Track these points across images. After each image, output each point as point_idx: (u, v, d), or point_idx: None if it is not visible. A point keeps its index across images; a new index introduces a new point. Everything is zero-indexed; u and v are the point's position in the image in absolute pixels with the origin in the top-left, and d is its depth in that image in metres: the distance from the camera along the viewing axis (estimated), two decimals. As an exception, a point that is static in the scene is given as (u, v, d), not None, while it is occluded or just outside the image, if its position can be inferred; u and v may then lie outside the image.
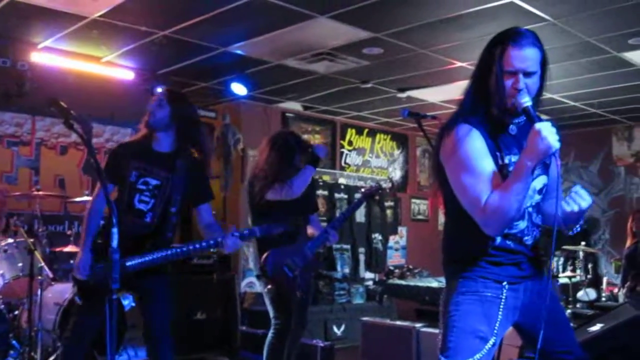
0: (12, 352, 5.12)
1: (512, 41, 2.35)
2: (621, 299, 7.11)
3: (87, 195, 5.69)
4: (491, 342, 2.42)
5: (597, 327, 4.00)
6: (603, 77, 7.10)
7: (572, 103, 8.25)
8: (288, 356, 4.67)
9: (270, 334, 4.45)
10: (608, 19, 5.35)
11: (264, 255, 4.36)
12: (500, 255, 2.45)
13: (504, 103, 2.37)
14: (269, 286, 4.38)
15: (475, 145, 2.35)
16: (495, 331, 2.42)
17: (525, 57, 2.34)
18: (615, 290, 8.28)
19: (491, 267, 2.44)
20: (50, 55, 6.56)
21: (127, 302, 5.96)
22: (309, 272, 4.55)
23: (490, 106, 2.42)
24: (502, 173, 2.37)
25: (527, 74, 2.35)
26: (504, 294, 2.43)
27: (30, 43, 6.41)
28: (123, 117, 7.61)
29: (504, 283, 2.44)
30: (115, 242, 2.28)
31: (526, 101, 2.33)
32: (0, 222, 5.42)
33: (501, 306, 2.43)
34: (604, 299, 8.56)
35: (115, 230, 2.29)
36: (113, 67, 7.04)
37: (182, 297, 6.09)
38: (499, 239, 2.43)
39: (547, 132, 2.24)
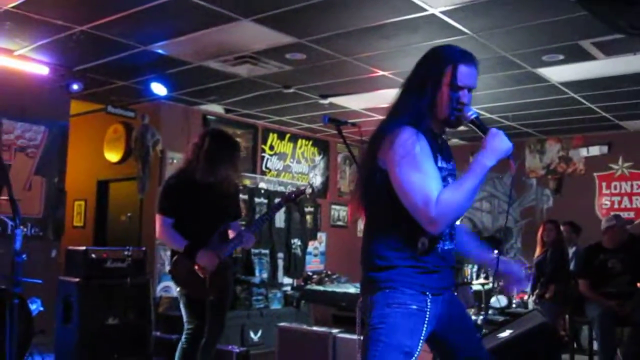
0: None
1: (464, 59, 2.54)
2: (531, 306, 7.35)
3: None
4: (415, 356, 2.43)
5: (506, 333, 4.12)
6: (518, 91, 7.34)
7: (488, 115, 8.49)
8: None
9: (182, 339, 4.37)
10: (524, 35, 5.53)
11: (174, 259, 4.28)
12: (426, 262, 2.47)
13: (449, 115, 2.52)
14: (178, 289, 4.31)
15: (424, 147, 2.41)
16: (419, 345, 2.44)
17: (473, 74, 2.55)
18: (525, 297, 8.56)
19: (417, 277, 2.45)
20: (-43, 45, 6.25)
21: (35, 306, 5.73)
22: (223, 276, 4.46)
23: (431, 117, 2.53)
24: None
25: (470, 90, 2.55)
26: (428, 306, 2.45)
27: (-63, 33, 6.09)
28: (36, 114, 7.31)
29: (428, 294, 2.46)
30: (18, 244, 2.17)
31: (472, 113, 2.52)
32: None
33: (426, 319, 2.45)
34: (514, 305, 8.84)
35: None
36: (26, 61, 6.75)
37: (96, 301, 5.91)
38: (427, 244, 2.45)
39: (504, 135, 2.44)
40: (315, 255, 10.35)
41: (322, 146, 10.79)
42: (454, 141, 10.18)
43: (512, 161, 2.48)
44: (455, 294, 2.67)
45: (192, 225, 4.32)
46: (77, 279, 5.91)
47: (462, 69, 2.52)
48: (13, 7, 5.31)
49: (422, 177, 2.35)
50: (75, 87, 7.10)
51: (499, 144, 2.42)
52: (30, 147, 7.30)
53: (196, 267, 4.24)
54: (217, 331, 4.53)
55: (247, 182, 9.07)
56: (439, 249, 2.52)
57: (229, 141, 4.51)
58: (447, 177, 2.55)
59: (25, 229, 6.98)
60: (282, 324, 6.65)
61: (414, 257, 2.46)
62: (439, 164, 2.50)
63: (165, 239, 4.41)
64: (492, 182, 10.42)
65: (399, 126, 2.45)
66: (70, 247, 6.35)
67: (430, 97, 2.50)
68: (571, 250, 7.63)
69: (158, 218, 4.36)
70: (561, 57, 6.09)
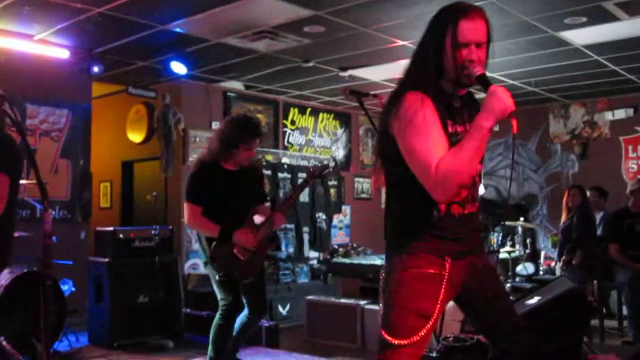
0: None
1: (464, 14, 2.41)
2: (558, 273, 7.32)
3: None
4: (433, 319, 2.43)
5: (534, 300, 4.11)
6: (540, 56, 7.23)
7: (511, 82, 8.39)
8: (237, 340, 4.65)
9: (217, 317, 4.42)
10: (545, -2, 5.44)
11: (213, 244, 4.32)
12: (443, 229, 2.46)
13: (458, 74, 2.43)
14: (220, 273, 4.32)
15: (428, 112, 2.36)
16: (437, 308, 2.44)
17: (476, 28, 2.41)
18: (552, 264, 8.53)
19: (434, 242, 2.45)
20: (-21, 33, 6.30)
21: (67, 287, 5.84)
22: (260, 257, 4.52)
23: (440, 79, 2.47)
24: (451, 141, 2.39)
25: (478, 45, 2.42)
26: (447, 270, 2.45)
27: (-43, 21, 6.14)
28: (58, 97, 7.38)
29: (447, 258, 2.45)
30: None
31: (479, 70, 2.39)
32: None
33: (444, 283, 2.44)
34: (541, 272, 8.81)
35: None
36: (47, 46, 6.79)
37: (126, 280, 6.00)
38: (442, 210, 2.44)
39: (503, 94, 2.30)
40: (340, 229, 10.38)
41: (344, 119, 10.76)
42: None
43: (514, 120, 2.33)
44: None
45: (221, 211, 4.35)
46: (106, 259, 6.00)
47: (463, 25, 2.39)
48: (31, -8, 5.34)
49: (424, 144, 2.32)
50: (95, 69, 7.13)
51: (496, 103, 2.29)
52: (54, 130, 7.38)
53: (235, 250, 4.30)
54: (261, 310, 4.60)
55: (270, 158, 9.10)
56: (457, 215, 2.49)
57: (245, 127, 4.48)
58: None
59: (53, 212, 7.09)
60: (310, 297, 6.73)
61: (430, 224, 2.45)
62: (450, 130, 2.45)
63: (197, 227, 4.45)
64: (515, 149, 10.33)
65: (403, 91, 2.43)
66: (99, 228, 6.44)
67: (435, 60, 2.44)
68: (598, 215, 7.56)
69: (187, 206, 4.39)
70: (584, 19, 5.98)
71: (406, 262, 2.45)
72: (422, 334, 2.41)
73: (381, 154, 2.58)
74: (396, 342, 2.41)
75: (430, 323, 2.43)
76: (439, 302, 2.44)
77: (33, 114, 7.15)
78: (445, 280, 2.44)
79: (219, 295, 4.44)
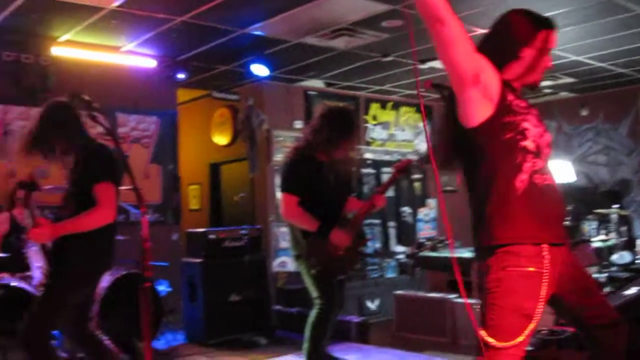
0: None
1: (553, 26, 2.57)
2: (656, 261, 7.02)
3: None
4: (536, 318, 2.37)
5: (632, 291, 3.96)
6: (627, 36, 6.94)
7: (598, 64, 8.10)
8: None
9: (313, 314, 4.42)
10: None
11: (308, 239, 4.31)
12: (533, 202, 2.42)
13: (538, 79, 2.60)
14: (312, 268, 4.35)
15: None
16: (539, 307, 2.38)
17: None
18: (650, 252, 8.17)
19: (528, 224, 2.40)
20: (71, 48, 6.61)
21: (163, 287, 6.05)
22: (355, 253, 4.53)
23: (515, 77, 2.55)
24: (506, 109, 2.44)
25: None
26: (545, 266, 2.38)
27: (51, 37, 6.47)
28: (147, 106, 7.66)
29: (544, 249, 2.39)
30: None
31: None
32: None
33: (544, 280, 2.38)
34: (638, 261, 8.46)
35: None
36: (134, 56, 7.07)
37: (218, 279, 6.16)
38: (525, 181, 2.42)
39: None
40: (427, 222, 10.29)
41: (426, 112, 10.65)
42: (563, 94, 9.80)
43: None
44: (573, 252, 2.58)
45: (317, 203, 4.31)
46: (198, 260, 6.18)
47: (554, 35, 2.55)
48: (117, 6, 5.56)
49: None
50: (181, 76, 7.37)
51: None
52: (144, 137, 7.67)
53: (330, 246, 4.29)
54: (341, 305, 4.63)
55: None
56: (540, 184, 2.45)
57: (344, 120, 4.45)
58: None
59: (147, 216, 7.35)
60: (398, 292, 6.71)
61: (517, 201, 2.41)
62: (507, 102, 2.47)
63: (295, 218, 4.37)
64: (607, 134, 9.96)
65: None
66: (190, 230, 6.64)
67: (515, 57, 2.52)
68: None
69: (285, 197, 4.35)
70: (674, -5, 5.71)
71: (504, 260, 2.39)
72: (526, 334, 2.36)
73: (452, 145, 2.60)
74: (499, 343, 2.36)
75: (534, 323, 2.37)
76: (541, 300, 2.38)
77: (124, 122, 7.45)
78: (545, 276, 2.38)
79: (313, 293, 4.43)
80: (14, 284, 4.88)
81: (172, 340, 6.23)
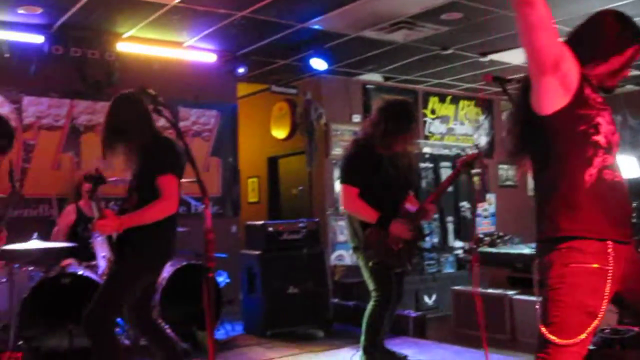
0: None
1: None
2: None
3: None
4: (599, 316, 2.33)
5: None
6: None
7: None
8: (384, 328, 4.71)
9: (370, 307, 4.45)
10: None
11: (367, 230, 4.33)
12: (600, 195, 2.38)
13: (615, 86, 2.57)
14: (370, 260, 4.36)
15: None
16: (603, 305, 2.33)
17: None
18: None
19: (594, 219, 2.35)
20: (135, 44, 6.78)
21: (222, 278, 6.15)
22: (413, 246, 4.53)
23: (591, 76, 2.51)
24: (582, 101, 2.40)
25: None
26: (611, 263, 2.33)
27: (115, 34, 6.64)
28: (208, 99, 7.79)
29: (609, 245, 2.34)
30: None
31: None
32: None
33: (608, 277, 2.33)
34: None
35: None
36: (195, 51, 7.19)
37: (276, 272, 6.22)
38: (593, 175, 2.37)
39: None
40: (486, 217, 10.15)
41: (486, 105, 10.50)
42: (629, 87, 9.52)
43: None
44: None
45: (376, 196, 4.33)
46: (257, 252, 6.26)
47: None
48: (179, 2, 5.67)
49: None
50: (241, 70, 7.47)
51: None
52: (205, 131, 7.80)
53: (389, 239, 4.31)
54: (398, 299, 4.64)
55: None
56: (609, 180, 2.40)
57: (403, 114, 4.44)
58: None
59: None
60: (456, 287, 6.65)
61: (585, 194, 2.36)
62: (585, 95, 2.43)
63: (355, 210, 4.41)
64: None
65: None
66: (249, 222, 6.72)
67: (603, 60, 2.49)
68: None
69: (345, 188, 4.40)
70: None
71: (567, 257, 2.35)
72: (588, 332, 2.32)
73: (522, 135, 2.55)
74: (561, 341, 2.32)
75: (597, 320, 2.33)
76: (605, 297, 2.33)
77: (185, 116, 7.59)
78: (609, 274, 2.33)
79: (370, 285, 4.45)
80: (80, 272, 5.04)
81: (231, 330, 6.33)
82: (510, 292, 6.10)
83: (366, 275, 4.46)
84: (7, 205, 3.68)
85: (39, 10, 5.90)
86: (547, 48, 2.32)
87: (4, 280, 5.01)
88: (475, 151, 4.82)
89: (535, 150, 2.53)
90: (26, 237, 5.00)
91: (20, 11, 5.88)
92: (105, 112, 3.83)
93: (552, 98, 2.39)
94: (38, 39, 6.35)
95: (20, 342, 4.81)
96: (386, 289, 4.39)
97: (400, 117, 4.38)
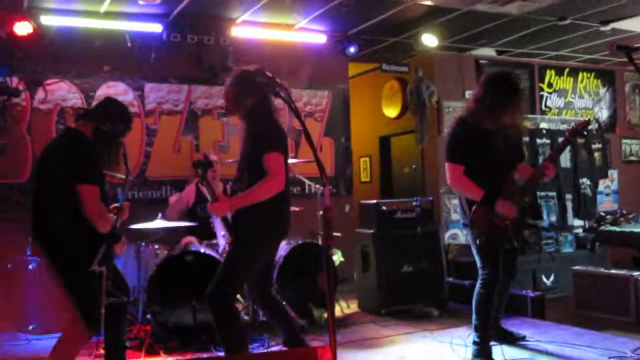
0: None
1: None
2: None
3: (292, 157, 5.96)
4: None
5: None
6: None
7: None
8: (497, 306, 4.63)
9: (478, 285, 4.42)
10: None
11: (474, 208, 4.28)
12: None
13: None
14: (477, 238, 4.31)
15: None
16: None
17: None
18: None
19: None
20: (248, 28, 6.94)
21: (337, 257, 6.23)
22: (521, 223, 4.44)
23: None
24: None
25: None
26: None
27: (229, 19, 6.83)
28: (319, 80, 7.87)
29: None
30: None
31: None
32: (217, 187, 5.86)
33: None
34: None
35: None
36: (306, 33, 7.28)
37: (390, 250, 6.23)
38: None
39: None
40: (607, 195, 9.72)
41: (607, 77, 10.01)
42: None
43: None
44: None
45: (483, 172, 4.27)
46: (371, 231, 6.29)
47: None
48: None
49: None
50: (351, 50, 7.49)
51: None
52: (317, 111, 7.90)
53: (496, 216, 4.23)
54: (510, 276, 4.56)
55: (527, 124, 8.79)
56: None
57: (507, 86, 4.32)
58: None
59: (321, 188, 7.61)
60: (576, 267, 6.43)
61: None
62: None
63: (461, 188, 4.37)
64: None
65: None
66: (363, 202, 6.75)
67: None
68: None
69: (449, 166, 4.37)
70: None
71: None
72: None
73: None
74: None
75: None
76: None
77: (297, 97, 7.70)
78: None
79: (478, 263, 4.41)
80: (202, 250, 5.26)
81: (346, 308, 6.42)
82: (636, 273, 5.83)
83: (475, 253, 4.42)
84: (124, 188, 3.88)
85: (158, 1, 6.15)
86: None
87: (132, 257, 5.31)
88: (586, 119, 4.63)
89: None
90: (151, 218, 5.27)
91: (141, 2, 6.16)
92: (229, 82, 3.93)
93: None
94: (157, 28, 6.64)
95: (148, 316, 5.09)
96: (493, 267, 4.32)
97: (503, 89, 4.26)
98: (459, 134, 4.40)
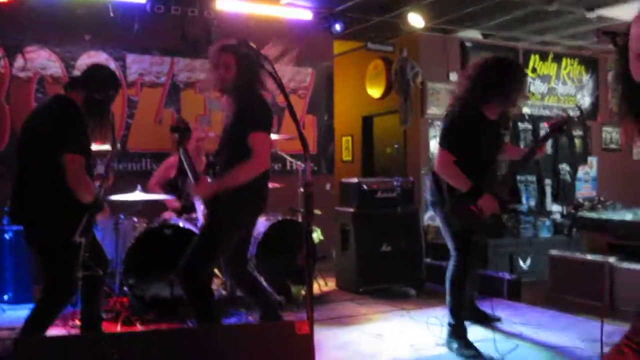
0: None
1: None
2: None
3: (274, 132, 5.91)
4: None
5: None
6: None
7: None
8: (470, 287, 4.67)
9: (451, 267, 4.43)
10: None
11: (456, 198, 4.21)
12: None
13: None
14: (457, 225, 4.30)
15: None
16: None
17: None
18: None
19: None
20: (233, 1, 6.85)
21: (316, 234, 6.24)
22: (498, 219, 4.40)
23: None
24: None
25: None
26: None
27: (215, -9, 6.74)
28: (304, 57, 7.82)
29: None
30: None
31: None
32: (201, 163, 5.82)
33: None
34: None
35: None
36: (291, 8, 7.21)
37: (370, 229, 6.24)
38: None
39: None
40: (586, 181, 9.81)
41: (590, 64, 10.05)
42: None
43: None
44: None
45: (472, 162, 4.17)
46: (351, 209, 6.29)
47: None
48: (278, -42, 5.68)
49: None
50: (337, 27, 7.43)
51: None
52: (300, 88, 7.86)
53: (474, 207, 4.15)
54: (480, 258, 4.58)
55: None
56: None
57: (520, 75, 4.27)
58: None
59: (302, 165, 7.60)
60: (553, 251, 6.48)
61: None
62: None
63: (447, 175, 4.23)
64: None
65: None
66: (344, 180, 6.74)
67: None
68: None
69: (441, 152, 4.27)
70: None
71: None
72: None
73: (629, 95, 2.40)
74: None
75: None
76: None
77: (281, 74, 7.58)
78: None
79: (451, 245, 4.41)
80: (181, 224, 5.23)
81: (324, 286, 6.44)
82: (611, 259, 5.90)
83: (446, 236, 4.42)
84: (111, 157, 3.83)
85: (143, -30, 6.06)
86: None
87: (110, 230, 5.27)
88: (565, 115, 4.61)
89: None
90: (130, 190, 5.22)
91: (125, -30, 6.06)
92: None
93: None
94: (141, -2, 6.54)
95: (125, 289, 5.07)
96: (466, 252, 4.35)
97: (513, 75, 4.19)
98: (459, 121, 4.24)
